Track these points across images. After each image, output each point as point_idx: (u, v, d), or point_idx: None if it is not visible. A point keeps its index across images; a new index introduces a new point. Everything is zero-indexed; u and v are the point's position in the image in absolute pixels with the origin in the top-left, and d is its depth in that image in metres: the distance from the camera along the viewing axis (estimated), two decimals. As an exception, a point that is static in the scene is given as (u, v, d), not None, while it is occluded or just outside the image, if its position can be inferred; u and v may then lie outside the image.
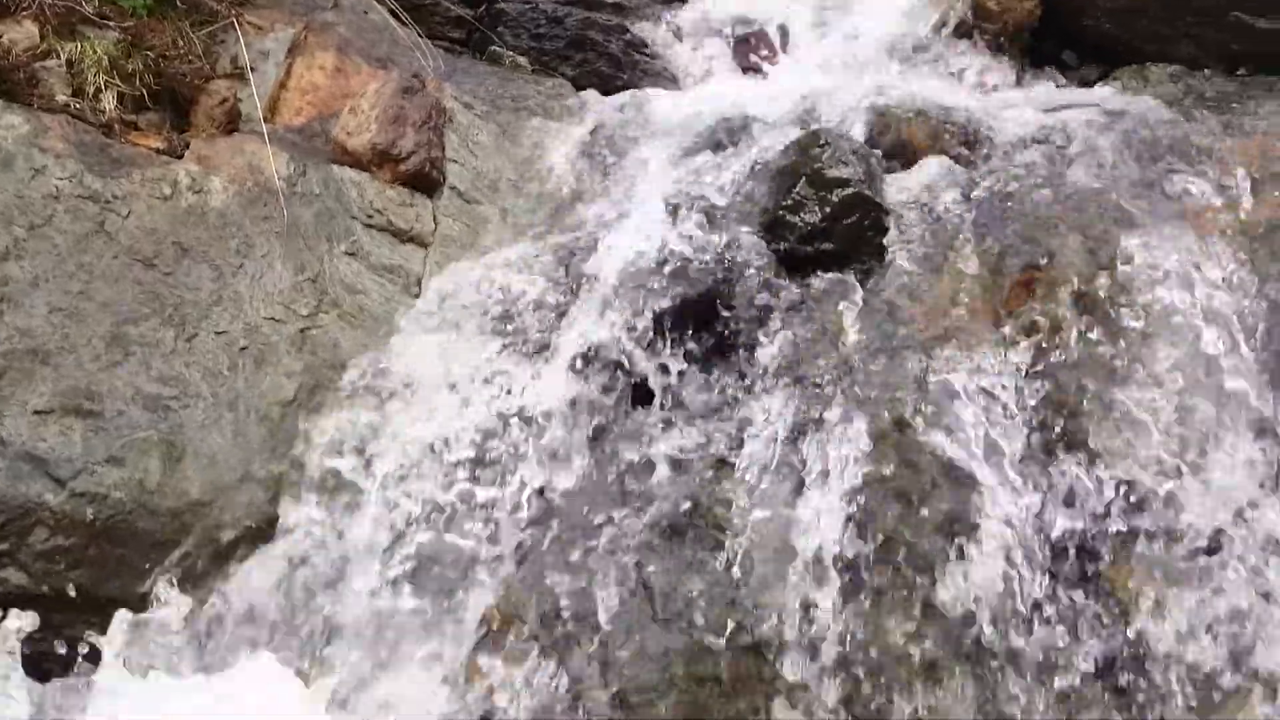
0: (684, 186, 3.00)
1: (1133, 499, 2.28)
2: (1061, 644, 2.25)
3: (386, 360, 2.65)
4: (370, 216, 2.95)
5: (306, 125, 3.25)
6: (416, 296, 2.84)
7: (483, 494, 2.45)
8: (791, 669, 2.25)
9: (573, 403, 2.51)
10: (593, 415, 2.52)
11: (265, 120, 3.14)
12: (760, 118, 3.28)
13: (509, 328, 2.63)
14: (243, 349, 2.67)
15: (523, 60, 3.68)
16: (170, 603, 2.46)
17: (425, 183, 3.08)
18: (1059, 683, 2.24)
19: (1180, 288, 2.48)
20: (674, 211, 2.88)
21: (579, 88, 3.56)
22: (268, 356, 2.67)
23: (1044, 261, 2.63)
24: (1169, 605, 2.21)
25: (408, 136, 3.07)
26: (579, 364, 2.53)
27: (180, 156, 2.95)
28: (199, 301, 2.70)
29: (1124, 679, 2.21)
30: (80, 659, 2.40)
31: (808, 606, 2.28)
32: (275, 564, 2.48)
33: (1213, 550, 2.24)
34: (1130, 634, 2.22)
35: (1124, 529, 2.31)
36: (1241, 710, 2.18)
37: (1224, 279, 2.52)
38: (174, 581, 2.47)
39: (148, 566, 2.45)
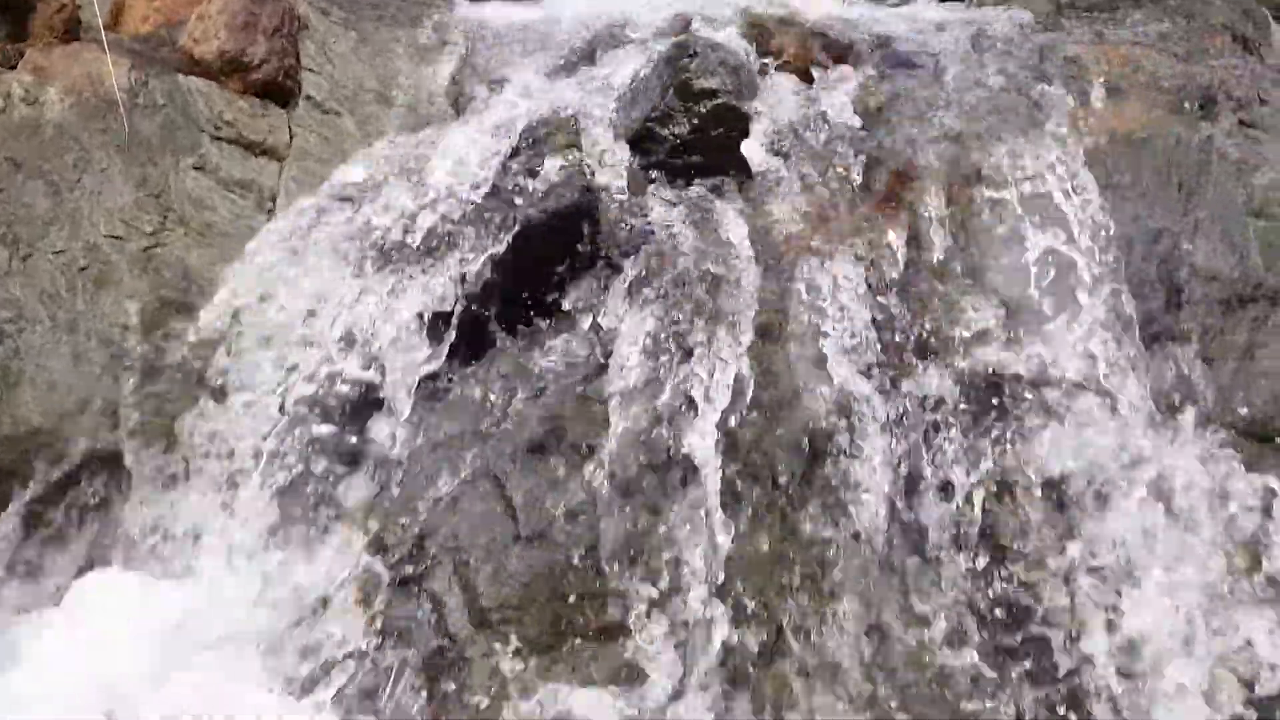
0: (553, 100, 2.92)
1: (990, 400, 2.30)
2: (938, 555, 2.28)
3: (236, 281, 2.53)
4: (219, 128, 2.81)
5: (153, 34, 3.07)
6: (270, 212, 2.73)
7: (339, 420, 2.38)
8: (658, 584, 2.24)
9: (432, 322, 2.44)
10: (454, 335, 2.45)
11: (108, 29, 2.96)
12: (637, 26, 3.21)
13: (366, 248, 2.54)
14: (82, 269, 2.53)
15: (385, -36, 3.52)
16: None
17: (279, 93, 2.94)
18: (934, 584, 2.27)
19: (1037, 194, 2.49)
20: (542, 126, 2.80)
21: (446, -6, 3.43)
22: (109, 277, 2.54)
23: (908, 171, 2.63)
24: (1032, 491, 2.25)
25: (259, 44, 2.92)
26: (437, 286, 2.45)
27: (14, 67, 2.77)
28: (34, 219, 2.55)
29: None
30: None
31: (675, 524, 2.27)
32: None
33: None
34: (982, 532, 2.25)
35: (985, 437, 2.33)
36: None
37: (1077, 185, 2.54)
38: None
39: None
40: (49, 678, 2.12)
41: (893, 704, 2.11)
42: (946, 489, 2.31)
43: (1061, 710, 2.14)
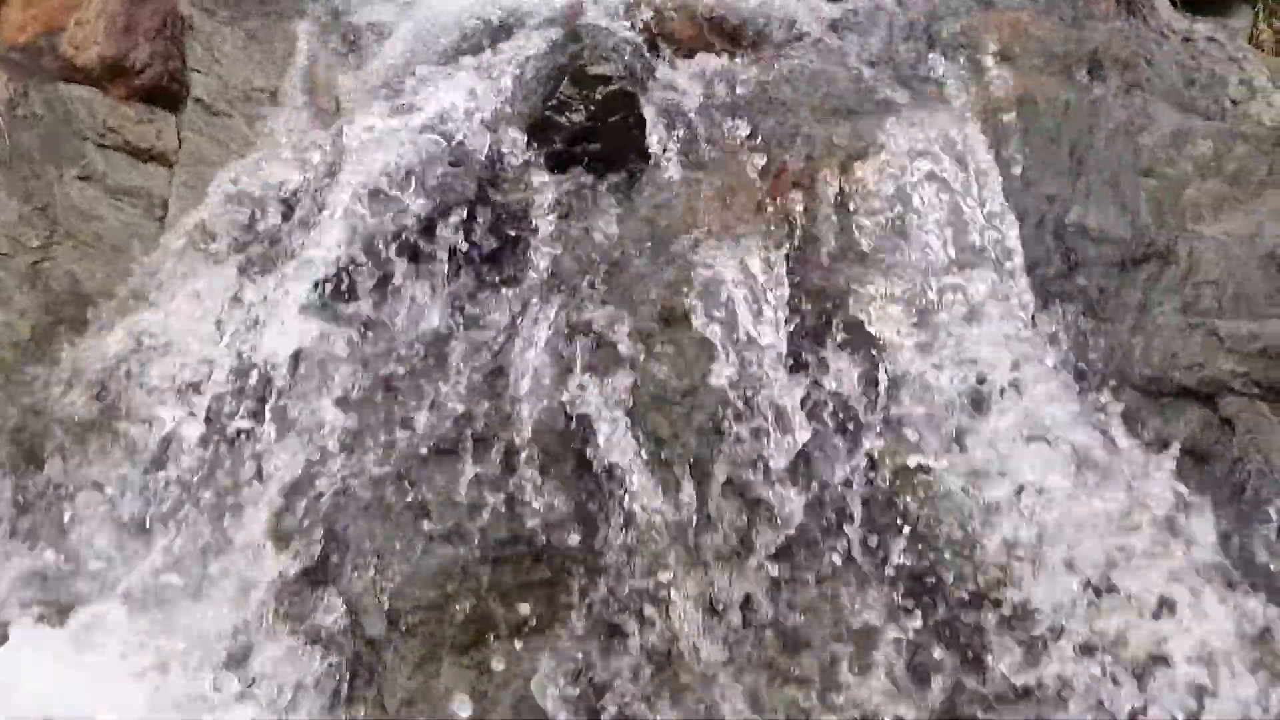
0: (449, 90, 2.88)
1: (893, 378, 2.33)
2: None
3: (129, 288, 2.47)
4: (103, 136, 2.74)
5: (32, 43, 2.98)
6: (161, 219, 2.67)
7: (243, 425, 2.33)
8: (575, 573, 2.24)
9: (330, 321, 2.40)
10: (355, 332, 2.41)
11: (-15, 39, 2.87)
12: (529, 12, 3.18)
13: (257, 251, 2.49)
14: (-33, 287, 2.46)
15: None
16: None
17: (165, 96, 2.88)
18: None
19: (932, 166, 2.52)
20: (439, 117, 2.77)
21: (333, -16, 3.36)
22: (-3, 295, 2.48)
23: (805, 152, 2.64)
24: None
25: (140, 47, 2.85)
26: (335, 280, 2.41)
27: (-117, 81, 2.68)
28: (-86, 239, 2.48)
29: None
30: None
31: (586, 512, 2.27)
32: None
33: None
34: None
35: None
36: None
37: (971, 155, 2.57)
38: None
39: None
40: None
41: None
42: (853, 470, 2.33)
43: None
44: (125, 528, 2.24)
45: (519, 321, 2.44)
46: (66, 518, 2.25)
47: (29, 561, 2.21)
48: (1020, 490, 2.17)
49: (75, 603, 2.17)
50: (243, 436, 2.31)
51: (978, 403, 2.33)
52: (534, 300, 2.47)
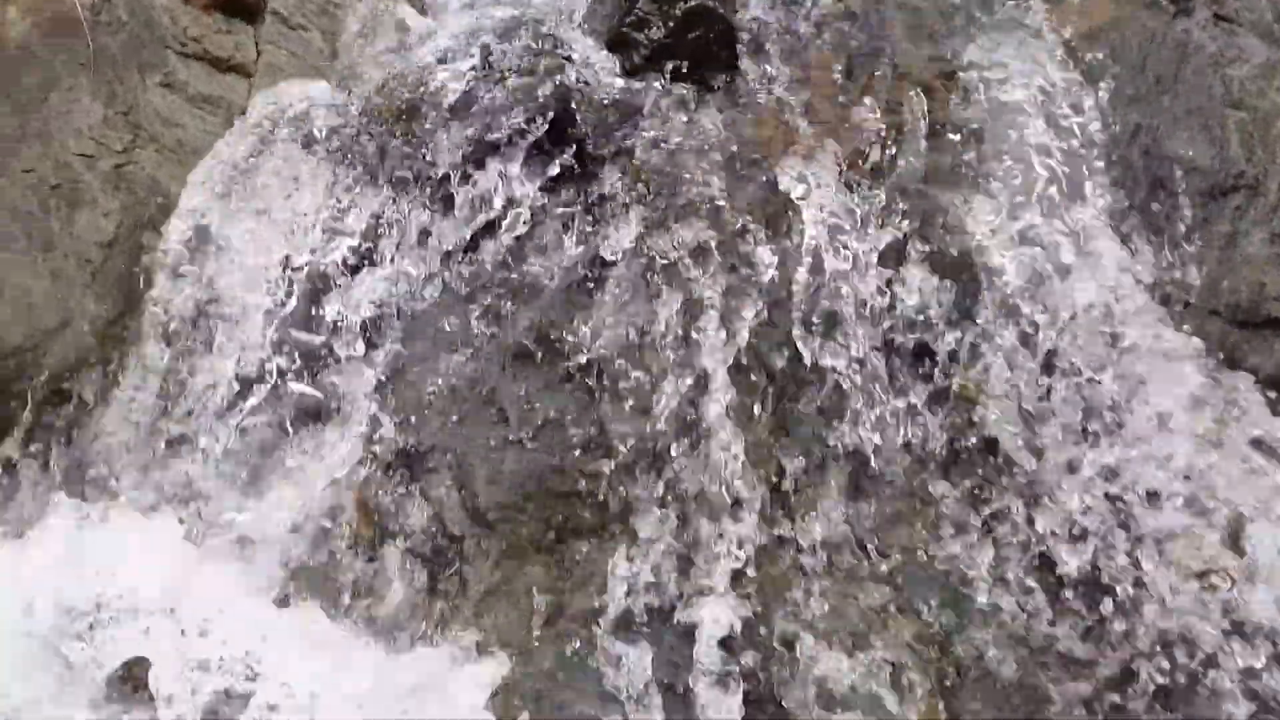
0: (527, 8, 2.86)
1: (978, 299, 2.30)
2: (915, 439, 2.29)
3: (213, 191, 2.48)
4: (185, 45, 2.74)
5: (114, -50, 2.98)
6: (240, 129, 2.67)
7: (328, 333, 2.35)
8: (651, 479, 2.25)
9: (422, 233, 2.40)
10: (440, 243, 2.42)
11: (67, -54, 2.87)
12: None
13: (344, 156, 2.49)
14: (54, 188, 2.48)
15: None
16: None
17: (244, 8, 2.87)
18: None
19: (1018, 88, 2.48)
20: (515, 30, 2.75)
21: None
22: (82, 196, 2.49)
23: (892, 71, 2.60)
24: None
25: (222, -43, 2.85)
26: (424, 190, 2.41)
27: (-31, -13, 2.69)
28: (2, 139, 2.49)
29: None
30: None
31: (664, 420, 2.27)
32: (118, 408, 2.35)
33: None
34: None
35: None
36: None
37: (1055, 81, 2.53)
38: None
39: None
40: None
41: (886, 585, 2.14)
42: (936, 394, 2.31)
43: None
44: (221, 418, 2.27)
45: (600, 233, 2.43)
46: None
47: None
48: (1111, 407, 2.15)
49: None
50: (327, 334, 2.32)
51: (1066, 328, 2.31)
52: (616, 213, 2.45)
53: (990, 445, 2.26)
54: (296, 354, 2.36)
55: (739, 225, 2.38)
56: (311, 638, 2.07)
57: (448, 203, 2.44)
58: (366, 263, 2.39)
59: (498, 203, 2.46)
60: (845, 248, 2.35)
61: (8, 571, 2.18)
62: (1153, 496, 2.18)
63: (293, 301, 2.37)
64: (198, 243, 2.47)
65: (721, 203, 2.39)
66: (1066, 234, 2.36)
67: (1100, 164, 2.55)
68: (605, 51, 2.68)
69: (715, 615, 2.11)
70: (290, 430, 2.28)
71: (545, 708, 2.12)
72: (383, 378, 2.31)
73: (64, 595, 2.11)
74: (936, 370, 2.34)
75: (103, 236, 2.46)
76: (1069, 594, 2.17)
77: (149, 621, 2.07)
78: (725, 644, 2.15)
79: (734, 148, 2.50)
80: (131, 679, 2.04)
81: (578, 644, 2.17)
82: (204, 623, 2.07)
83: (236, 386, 2.31)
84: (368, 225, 2.39)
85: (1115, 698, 2.10)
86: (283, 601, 2.11)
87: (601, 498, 2.22)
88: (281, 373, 2.34)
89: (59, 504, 2.29)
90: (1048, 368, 2.27)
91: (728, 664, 2.10)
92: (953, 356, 2.33)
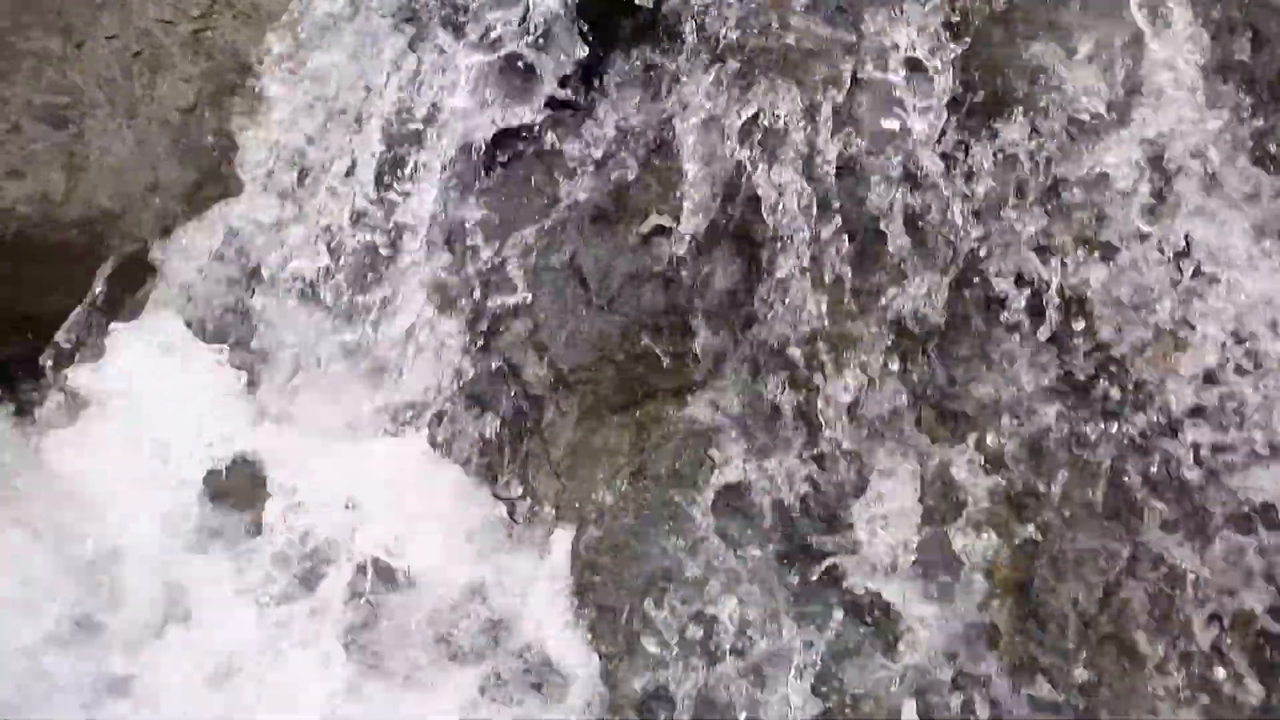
0: None
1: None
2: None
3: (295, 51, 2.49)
4: (258, -95, 2.72)
5: None
6: (316, -7, 2.66)
7: (408, 186, 2.37)
8: (729, 342, 2.28)
9: (488, 92, 2.40)
10: (512, 103, 2.41)
11: None
12: None
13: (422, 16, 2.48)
14: (136, 54, 2.50)
15: None
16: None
17: None
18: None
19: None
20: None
21: None
22: (163, 61, 2.51)
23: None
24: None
25: None
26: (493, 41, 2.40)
27: None
28: (84, 6, 2.51)
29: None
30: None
31: (743, 284, 2.29)
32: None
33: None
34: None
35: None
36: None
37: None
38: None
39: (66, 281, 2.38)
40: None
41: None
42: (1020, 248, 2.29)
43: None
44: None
45: (684, 94, 2.41)
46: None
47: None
48: (1196, 269, 2.14)
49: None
50: (401, 196, 2.35)
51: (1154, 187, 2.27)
52: (694, 69, 2.42)
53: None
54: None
55: (821, 81, 2.35)
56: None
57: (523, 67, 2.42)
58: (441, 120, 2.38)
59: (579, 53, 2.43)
60: (928, 98, 2.31)
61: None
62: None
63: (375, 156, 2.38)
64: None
65: (804, 59, 2.34)
66: (1147, 83, 2.29)
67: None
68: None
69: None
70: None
71: (623, 559, 2.19)
72: (458, 240, 2.33)
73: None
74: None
75: (184, 102, 2.49)
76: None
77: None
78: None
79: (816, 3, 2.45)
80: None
81: (656, 502, 2.23)
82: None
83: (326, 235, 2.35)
84: (448, 80, 2.38)
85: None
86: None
87: (681, 360, 2.25)
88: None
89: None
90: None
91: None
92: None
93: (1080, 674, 2.11)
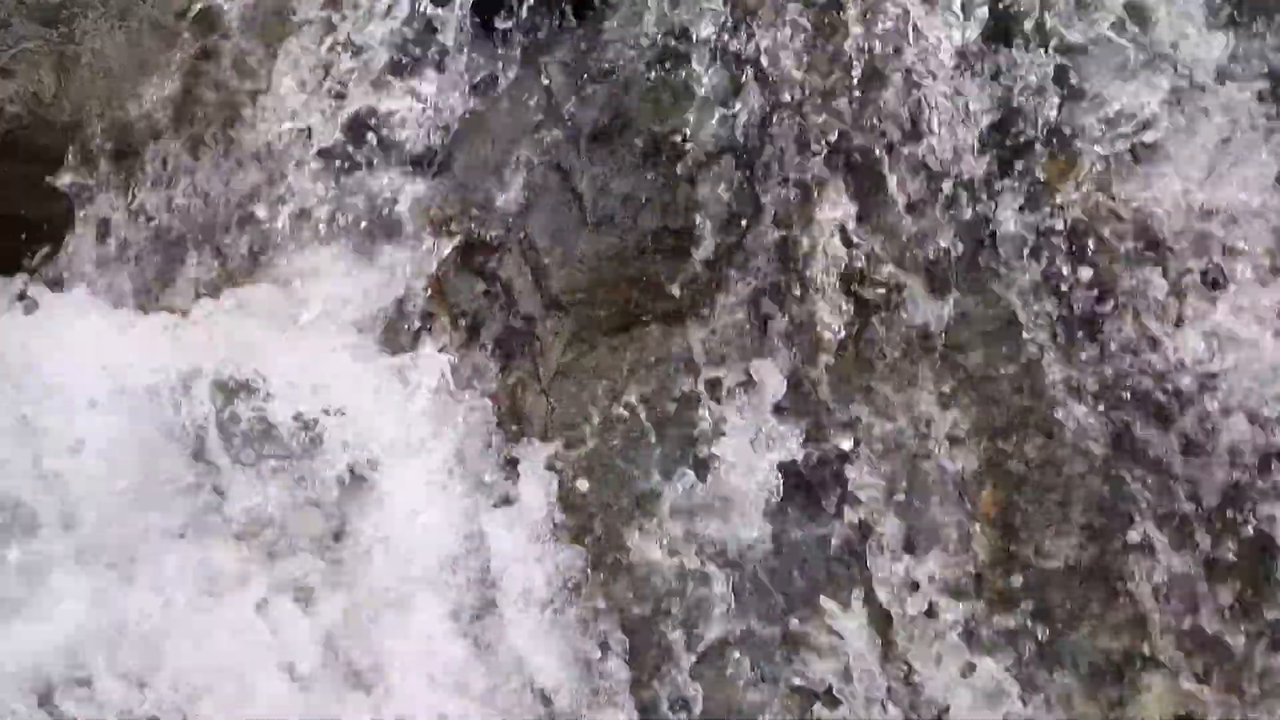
0: None
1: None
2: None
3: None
4: None
5: None
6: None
7: (404, 102, 2.34)
8: (724, 267, 2.26)
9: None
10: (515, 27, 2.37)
11: None
12: None
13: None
14: (129, -47, 2.45)
15: None
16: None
17: None
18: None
19: None
20: None
21: None
22: (157, -38, 2.46)
23: None
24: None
25: None
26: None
27: None
28: (74, -95, 2.45)
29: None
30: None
31: (741, 208, 2.26)
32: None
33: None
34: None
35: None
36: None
37: None
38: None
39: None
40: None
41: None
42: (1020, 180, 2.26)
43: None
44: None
45: (688, 19, 2.36)
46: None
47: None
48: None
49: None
50: (401, 108, 2.31)
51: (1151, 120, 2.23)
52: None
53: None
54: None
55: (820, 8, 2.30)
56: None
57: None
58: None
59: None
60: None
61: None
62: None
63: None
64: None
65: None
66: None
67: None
68: None
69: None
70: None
71: (610, 480, 2.19)
72: (454, 152, 2.30)
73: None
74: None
75: (177, 5, 2.44)
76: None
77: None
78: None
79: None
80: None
81: (644, 423, 2.23)
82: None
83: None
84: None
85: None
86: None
87: (676, 284, 2.23)
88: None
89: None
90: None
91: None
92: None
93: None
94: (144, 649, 2.05)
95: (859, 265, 2.21)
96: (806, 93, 2.25)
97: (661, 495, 2.20)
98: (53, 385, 2.17)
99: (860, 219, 2.23)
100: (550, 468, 2.19)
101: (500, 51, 2.39)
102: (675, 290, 2.23)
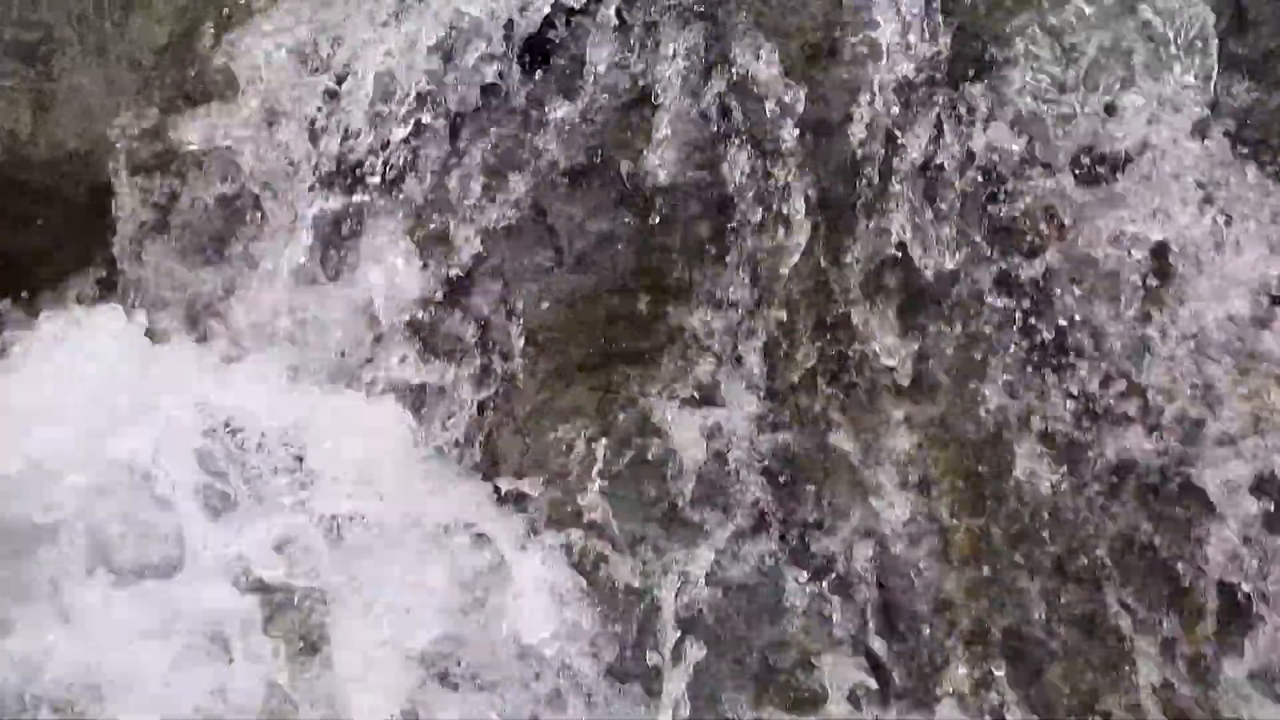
0: None
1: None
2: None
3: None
4: None
5: None
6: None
7: (375, 147, 2.35)
8: (700, 306, 2.28)
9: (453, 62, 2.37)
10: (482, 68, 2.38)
11: None
12: None
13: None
14: (108, -9, 2.46)
15: None
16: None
17: None
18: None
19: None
20: None
21: None
22: (135, 0, 2.47)
23: None
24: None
25: None
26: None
27: None
28: (55, -59, 2.46)
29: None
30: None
31: (715, 248, 2.28)
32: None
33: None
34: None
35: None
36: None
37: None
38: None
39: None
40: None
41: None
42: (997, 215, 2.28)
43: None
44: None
45: (654, 54, 2.38)
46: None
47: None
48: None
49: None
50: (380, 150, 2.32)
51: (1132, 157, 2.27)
52: (668, 30, 2.39)
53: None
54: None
55: (801, 46, 2.33)
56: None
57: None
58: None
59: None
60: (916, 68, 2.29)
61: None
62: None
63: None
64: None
65: (784, 21, 2.32)
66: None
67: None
68: None
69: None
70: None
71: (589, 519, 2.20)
72: (429, 190, 2.31)
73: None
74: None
75: (156, 42, 2.45)
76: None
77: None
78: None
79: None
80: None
81: (622, 464, 2.24)
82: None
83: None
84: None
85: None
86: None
87: (652, 323, 2.25)
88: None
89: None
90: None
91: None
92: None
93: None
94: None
95: (833, 303, 2.23)
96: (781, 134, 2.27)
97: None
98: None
99: (832, 256, 2.25)
100: (525, 509, 2.20)
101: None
102: (652, 330, 2.25)
